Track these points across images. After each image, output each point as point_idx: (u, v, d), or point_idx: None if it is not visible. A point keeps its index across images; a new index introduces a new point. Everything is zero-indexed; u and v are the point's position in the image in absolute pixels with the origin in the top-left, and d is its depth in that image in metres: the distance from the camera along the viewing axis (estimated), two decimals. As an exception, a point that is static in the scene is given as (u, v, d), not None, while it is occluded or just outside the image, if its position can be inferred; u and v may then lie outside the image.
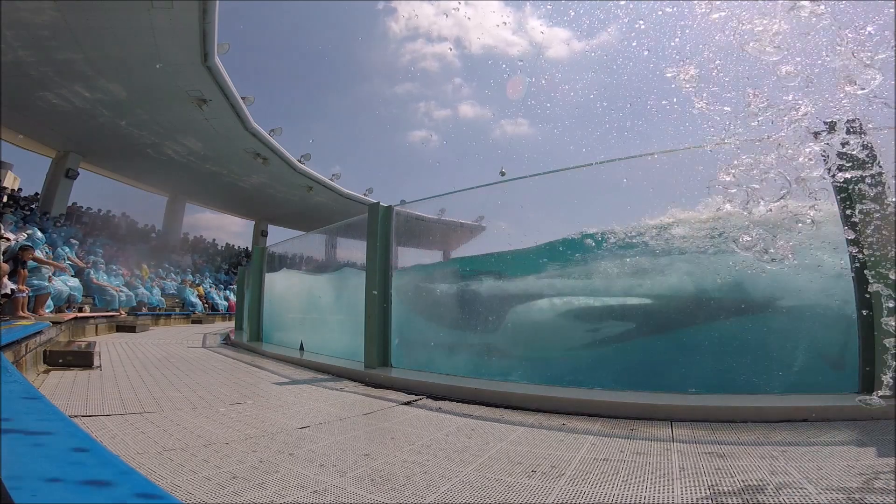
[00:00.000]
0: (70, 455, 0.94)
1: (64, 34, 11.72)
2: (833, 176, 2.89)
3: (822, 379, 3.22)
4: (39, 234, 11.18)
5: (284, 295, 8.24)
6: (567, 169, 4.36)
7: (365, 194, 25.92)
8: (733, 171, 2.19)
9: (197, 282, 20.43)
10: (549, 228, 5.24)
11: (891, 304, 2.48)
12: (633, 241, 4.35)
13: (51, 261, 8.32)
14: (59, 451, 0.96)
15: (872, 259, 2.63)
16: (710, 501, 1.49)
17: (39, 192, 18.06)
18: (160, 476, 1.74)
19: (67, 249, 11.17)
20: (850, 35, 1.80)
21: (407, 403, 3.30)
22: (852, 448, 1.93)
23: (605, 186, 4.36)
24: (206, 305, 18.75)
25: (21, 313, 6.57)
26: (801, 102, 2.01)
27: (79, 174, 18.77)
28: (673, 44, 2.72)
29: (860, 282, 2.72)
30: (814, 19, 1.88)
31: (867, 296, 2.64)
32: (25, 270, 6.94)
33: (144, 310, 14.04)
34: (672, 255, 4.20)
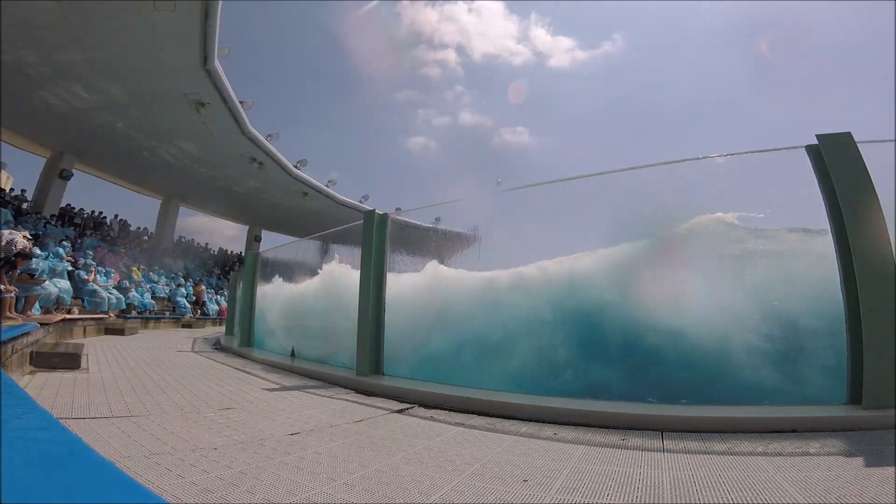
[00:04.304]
0: (55, 455, 0.92)
1: (65, 34, 11.70)
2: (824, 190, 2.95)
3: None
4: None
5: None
6: (559, 181, 4.41)
7: (361, 201, 25.89)
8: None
9: (197, 279, 20.40)
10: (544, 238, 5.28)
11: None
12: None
13: (36, 280, 8.08)
14: (44, 451, 0.94)
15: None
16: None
17: (26, 191, 17.80)
18: (147, 480, 1.71)
19: (61, 251, 11.01)
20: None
21: (399, 412, 3.28)
22: (840, 458, 1.95)
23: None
24: (196, 308, 18.52)
25: (8, 314, 6.46)
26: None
27: (73, 175, 18.60)
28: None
29: (849, 293, 2.76)
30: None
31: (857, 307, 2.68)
32: (15, 273, 6.84)
33: (134, 313, 13.85)
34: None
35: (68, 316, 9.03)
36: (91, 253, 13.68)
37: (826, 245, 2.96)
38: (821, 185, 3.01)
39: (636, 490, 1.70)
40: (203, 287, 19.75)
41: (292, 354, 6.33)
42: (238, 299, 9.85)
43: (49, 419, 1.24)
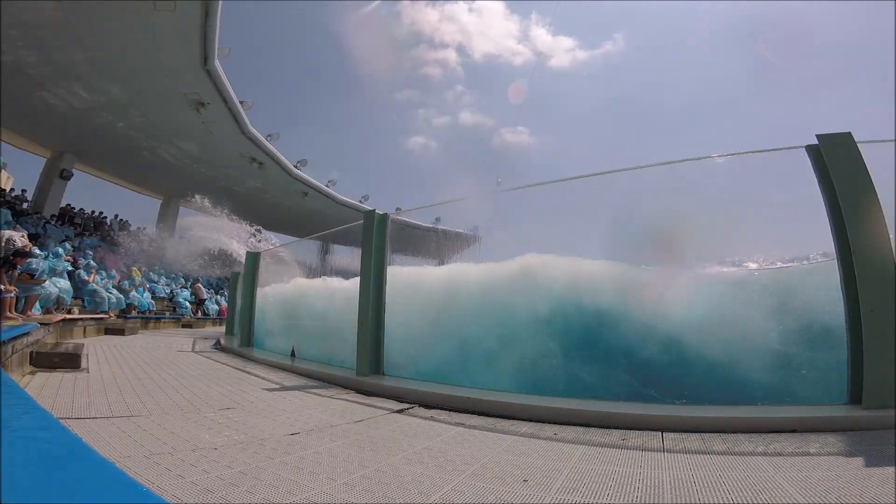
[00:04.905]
0: (55, 455, 0.92)
1: (65, 34, 11.70)
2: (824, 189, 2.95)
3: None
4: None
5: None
6: (559, 181, 4.41)
7: (361, 201, 25.90)
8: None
9: (194, 279, 20.41)
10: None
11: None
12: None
13: (37, 280, 8.09)
14: (44, 451, 0.94)
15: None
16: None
17: (26, 191, 17.79)
18: (147, 480, 1.71)
19: (61, 251, 11.01)
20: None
21: (399, 412, 3.28)
22: (840, 458, 1.95)
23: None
24: (197, 308, 18.53)
25: (8, 314, 6.46)
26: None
27: (73, 175, 18.59)
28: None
29: (849, 293, 2.76)
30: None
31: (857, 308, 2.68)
32: (15, 272, 6.84)
33: (134, 313, 13.85)
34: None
35: (68, 316, 9.03)
36: (91, 253, 13.67)
37: None
38: (821, 185, 3.01)
39: (636, 490, 1.70)
40: (200, 284, 19.77)
41: (292, 354, 6.33)
42: (238, 299, 9.84)
43: (49, 419, 1.24)
